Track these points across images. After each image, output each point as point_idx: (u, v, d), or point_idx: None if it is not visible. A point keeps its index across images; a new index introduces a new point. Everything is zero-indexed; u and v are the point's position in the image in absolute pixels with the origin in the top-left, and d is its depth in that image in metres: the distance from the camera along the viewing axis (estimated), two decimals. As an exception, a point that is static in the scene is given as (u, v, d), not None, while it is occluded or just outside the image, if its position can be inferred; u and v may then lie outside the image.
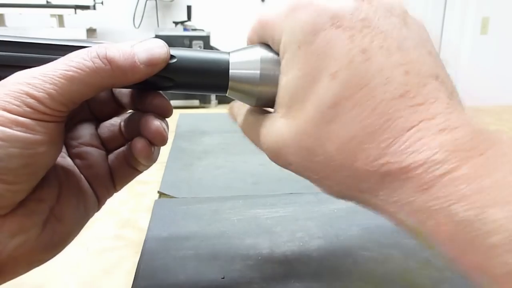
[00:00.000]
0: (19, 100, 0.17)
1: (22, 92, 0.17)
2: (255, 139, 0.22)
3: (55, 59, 0.19)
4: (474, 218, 0.14)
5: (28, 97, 0.17)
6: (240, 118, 0.24)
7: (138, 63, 0.19)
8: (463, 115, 0.17)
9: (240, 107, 0.25)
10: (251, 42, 0.22)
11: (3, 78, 0.18)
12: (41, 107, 0.17)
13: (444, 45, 2.39)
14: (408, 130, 0.16)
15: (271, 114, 0.21)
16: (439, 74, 0.17)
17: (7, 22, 1.81)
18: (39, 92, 0.17)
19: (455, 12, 2.35)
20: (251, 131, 0.22)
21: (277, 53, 0.20)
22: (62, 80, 0.18)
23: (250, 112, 0.23)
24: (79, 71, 0.18)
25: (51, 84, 0.17)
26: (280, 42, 0.19)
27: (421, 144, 0.16)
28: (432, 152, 0.15)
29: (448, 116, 0.16)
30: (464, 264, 0.14)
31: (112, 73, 0.19)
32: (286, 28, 0.19)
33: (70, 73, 0.18)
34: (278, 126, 0.20)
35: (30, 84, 0.17)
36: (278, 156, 0.20)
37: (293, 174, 0.20)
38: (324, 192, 0.20)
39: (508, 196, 0.14)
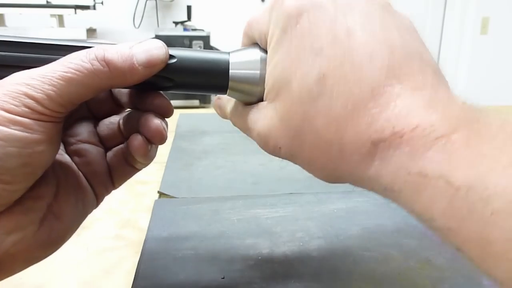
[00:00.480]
0: (17, 100, 0.17)
1: (20, 92, 0.17)
2: (245, 127, 0.22)
3: (55, 59, 0.19)
4: (474, 183, 0.13)
5: (26, 97, 0.17)
6: (230, 107, 0.24)
7: (137, 65, 0.19)
8: (450, 91, 0.17)
9: (229, 99, 0.25)
10: (244, 45, 0.23)
11: (2, 78, 0.18)
12: (40, 108, 0.17)
13: (444, 45, 2.39)
14: (397, 98, 0.16)
15: (260, 103, 0.21)
16: (423, 54, 0.18)
17: (7, 22, 1.81)
18: (38, 93, 0.17)
19: (455, 12, 2.35)
20: (241, 120, 0.23)
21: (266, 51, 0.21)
22: (61, 82, 0.18)
23: (239, 102, 0.23)
24: (77, 73, 0.18)
25: (49, 85, 0.17)
26: (267, 34, 0.20)
27: (413, 109, 0.15)
28: (426, 116, 0.15)
29: (437, 88, 0.16)
30: (462, 235, 0.14)
31: (110, 75, 0.19)
32: (271, 19, 0.20)
33: (69, 74, 0.18)
34: (267, 111, 0.20)
35: (28, 85, 0.17)
36: (268, 141, 0.20)
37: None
38: (317, 177, 0.19)
39: (509, 160, 0.13)
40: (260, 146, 0.21)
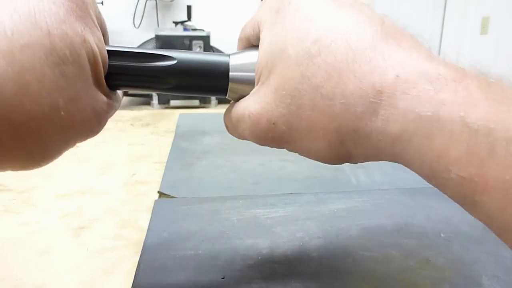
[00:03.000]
0: None
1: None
2: (236, 118, 0.21)
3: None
4: (495, 124, 0.12)
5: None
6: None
7: None
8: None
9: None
10: (240, 42, 0.23)
11: (118, 88, 0.20)
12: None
13: (444, 45, 2.39)
14: (397, 50, 0.16)
15: (251, 92, 0.21)
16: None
17: (7, 22, 1.81)
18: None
19: (455, 12, 2.35)
20: (232, 114, 0.22)
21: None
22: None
23: (230, 104, 0.23)
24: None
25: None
26: (260, 23, 0.20)
27: (415, 59, 0.15)
28: (431, 65, 0.14)
29: (432, 54, 0.16)
30: (482, 182, 0.13)
31: None
32: (263, 8, 0.20)
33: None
34: (260, 91, 0.19)
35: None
36: (260, 119, 0.19)
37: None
38: (316, 154, 0.19)
39: None
40: (251, 131, 0.20)
